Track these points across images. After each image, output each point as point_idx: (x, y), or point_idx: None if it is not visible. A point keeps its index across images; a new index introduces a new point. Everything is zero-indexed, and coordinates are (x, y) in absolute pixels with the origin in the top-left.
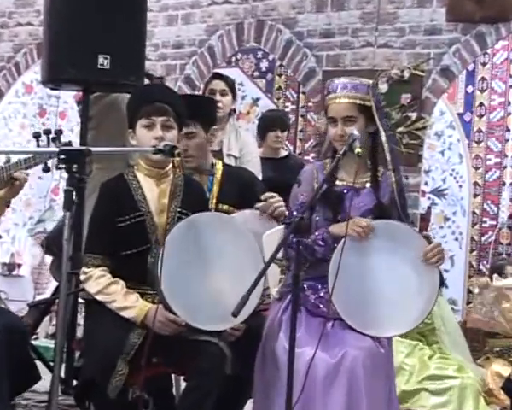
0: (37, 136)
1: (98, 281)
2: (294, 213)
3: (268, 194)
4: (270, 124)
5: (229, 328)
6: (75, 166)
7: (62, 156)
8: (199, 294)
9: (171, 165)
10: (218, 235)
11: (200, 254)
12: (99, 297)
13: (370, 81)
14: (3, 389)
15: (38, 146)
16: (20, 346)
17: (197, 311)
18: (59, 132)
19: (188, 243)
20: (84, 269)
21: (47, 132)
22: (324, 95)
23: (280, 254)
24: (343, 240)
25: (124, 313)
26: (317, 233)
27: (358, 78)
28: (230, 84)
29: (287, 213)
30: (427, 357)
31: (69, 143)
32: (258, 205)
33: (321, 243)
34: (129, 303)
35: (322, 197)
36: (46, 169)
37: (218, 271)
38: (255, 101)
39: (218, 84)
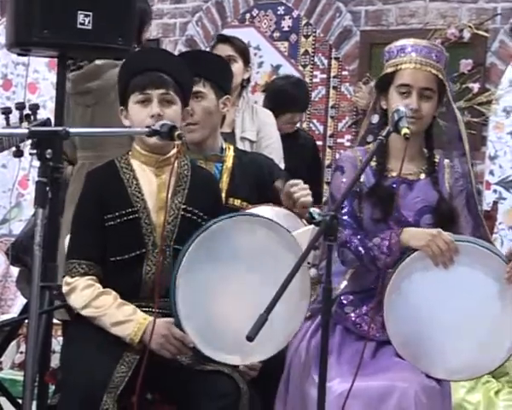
0: (6, 112)
1: (84, 292)
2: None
3: (291, 181)
4: (286, 103)
5: (244, 364)
6: (49, 151)
7: (33, 139)
8: (218, 318)
9: (174, 150)
10: (250, 242)
11: (224, 268)
12: (86, 312)
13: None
14: None
15: (8, 124)
16: None
17: (212, 337)
18: (34, 107)
19: (208, 262)
20: (67, 279)
21: (20, 108)
22: (386, 56)
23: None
24: (416, 254)
25: (117, 330)
26: (380, 237)
27: (434, 43)
28: (241, 48)
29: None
30: (493, 392)
31: (48, 122)
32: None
33: (385, 250)
34: (124, 317)
35: (370, 192)
36: (18, 154)
37: (249, 286)
38: (275, 69)
39: (224, 49)
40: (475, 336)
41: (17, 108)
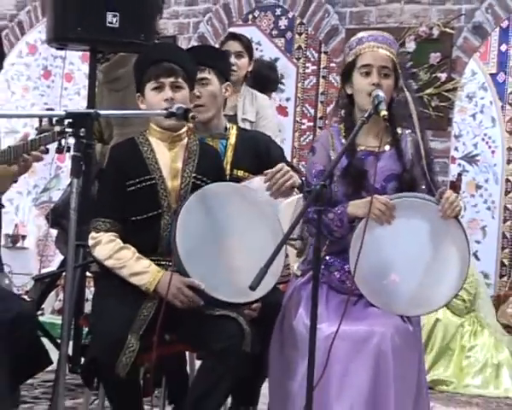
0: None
1: (107, 246)
2: (313, 181)
3: (272, 170)
4: (264, 84)
5: (247, 302)
6: (82, 130)
7: (69, 120)
8: (216, 267)
9: (185, 128)
10: (236, 207)
11: (216, 227)
12: (108, 263)
13: (412, 44)
14: (3, 380)
15: (41, 125)
16: (31, 333)
17: (216, 283)
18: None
19: (203, 215)
20: (93, 234)
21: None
22: (349, 47)
23: (296, 232)
24: (363, 221)
25: (135, 280)
26: (333, 212)
27: (386, 33)
28: (247, 44)
29: (298, 182)
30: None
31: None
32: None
33: (338, 223)
34: (140, 269)
35: (343, 171)
36: (60, 151)
37: (235, 244)
38: (274, 61)
39: (234, 46)
40: (423, 274)
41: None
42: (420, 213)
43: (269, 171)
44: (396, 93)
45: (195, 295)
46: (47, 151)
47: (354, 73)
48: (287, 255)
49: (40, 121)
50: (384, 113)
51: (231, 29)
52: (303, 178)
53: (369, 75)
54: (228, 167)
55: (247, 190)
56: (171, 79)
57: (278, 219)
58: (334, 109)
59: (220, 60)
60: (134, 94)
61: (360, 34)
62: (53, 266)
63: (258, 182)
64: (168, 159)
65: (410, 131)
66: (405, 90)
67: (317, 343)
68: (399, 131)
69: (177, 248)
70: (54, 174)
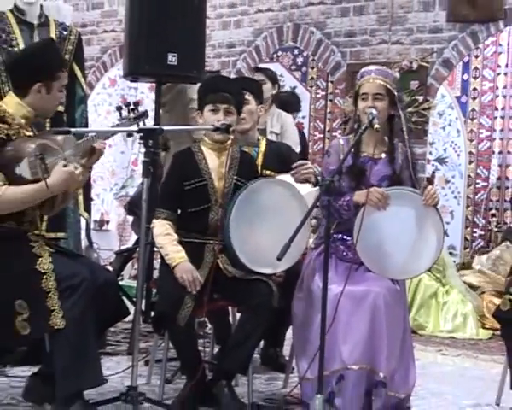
0: (119, 109)
1: (160, 229)
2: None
3: (298, 162)
4: (289, 106)
5: (277, 272)
6: (151, 141)
7: (141, 134)
8: (257, 244)
9: (229, 141)
10: (274, 197)
11: (258, 212)
12: (157, 239)
13: (397, 74)
14: (93, 329)
15: (121, 116)
16: (114, 294)
17: (254, 257)
18: (136, 104)
19: (249, 204)
20: (154, 220)
21: (127, 105)
22: (357, 79)
23: (312, 215)
24: (364, 207)
25: (166, 258)
26: (342, 200)
27: (387, 68)
28: (269, 74)
29: (313, 177)
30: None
31: (146, 112)
32: (291, 172)
33: (346, 208)
34: (171, 252)
35: (348, 170)
36: (129, 135)
37: (273, 226)
38: (292, 89)
39: (258, 76)
40: (409, 248)
41: (126, 106)
42: (408, 202)
43: (296, 164)
44: (393, 111)
45: (197, 277)
46: (131, 135)
47: (358, 99)
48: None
49: (120, 114)
50: (377, 126)
51: (260, 65)
52: (319, 176)
53: (366, 100)
54: (259, 168)
55: (285, 183)
56: (225, 106)
57: (306, 204)
58: (345, 125)
59: (255, 87)
60: (176, 114)
61: (363, 69)
62: (129, 244)
63: (285, 178)
64: (216, 164)
65: (401, 143)
66: (400, 111)
67: (328, 300)
68: (394, 141)
69: (229, 230)
70: (129, 175)
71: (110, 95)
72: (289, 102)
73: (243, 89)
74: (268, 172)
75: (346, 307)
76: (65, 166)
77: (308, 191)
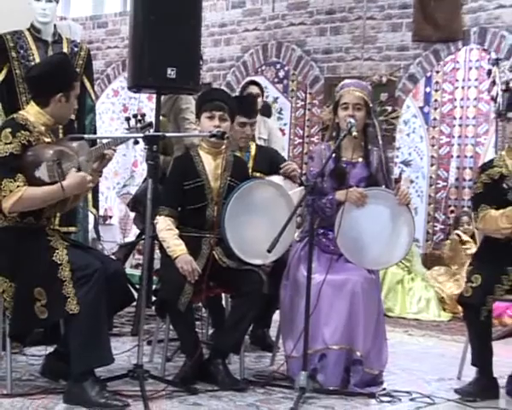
0: (128, 119)
1: (162, 224)
2: (311, 180)
3: (286, 162)
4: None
5: (266, 263)
6: (155, 146)
7: (146, 141)
8: (249, 238)
9: (224, 145)
10: (264, 196)
11: (250, 210)
12: (160, 233)
13: (369, 87)
14: (102, 312)
15: (129, 125)
16: (123, 282)
17: (246, 249)
18: (143, 116)
19: (242, 202)
20: (157, 216)
21: (135, 116)
22: (337, 90)
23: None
24: (344, 205)
25: (168, 251)
26: (326, 198)
27: (365, 83)
28: (262, 88)
29: (297, 177)
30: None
31: (151, 124)
32: (282, 170)
33: (329, 205)
34: (173, 246)
35: (331, 172)
36: (136, 143)
37: (263, 221)
38: (275, 99)
39: (254, 89)
40: (384, 242)
41: (133, 116)
42: (383, 201)
43: (282, 165)
44: (369, 120)
45: (196, 268)
46: (137, 143)
47: (338, 108)
48: None
49: (128, 124)
50: (355, 133)
51: (248, 78)
52: (302, 176)
53: (347, 109)
54: (250, 171)
55: (273, 184)
56: (220, 113)
57: (293, 202)
58: (324, 132)
59: (249, 103)
60: (172, 124)
61: (343, 82)
62: (130, 237)
63: (274, 179)
64: (212, 167)
65: (376, 148)
66: (374, 118)
67: (312, 287)
68: (369, 147)
69: (224, 225)
70: (130, 175)
71: (113, 104)
72: (262, 110)
73: (250, 115)
74: (258, 174)
75: (327, 294)
76: (78, 170)
77: (294, 191)
